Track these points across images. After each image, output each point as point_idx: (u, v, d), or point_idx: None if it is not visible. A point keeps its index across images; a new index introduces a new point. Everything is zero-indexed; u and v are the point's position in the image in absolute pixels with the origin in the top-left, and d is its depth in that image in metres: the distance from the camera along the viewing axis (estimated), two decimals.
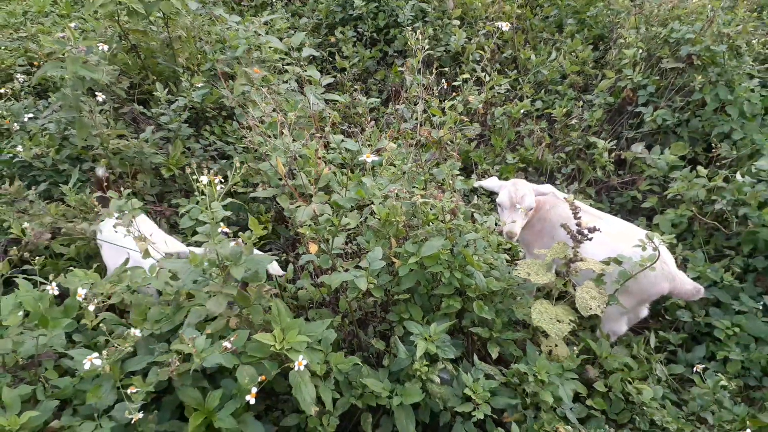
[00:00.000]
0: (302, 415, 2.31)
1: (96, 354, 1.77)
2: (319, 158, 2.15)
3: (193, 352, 1.93)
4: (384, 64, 5.17)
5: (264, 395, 2.39)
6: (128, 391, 1.80)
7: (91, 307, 1.97)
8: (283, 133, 2.25)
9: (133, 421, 1.75)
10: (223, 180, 2.03)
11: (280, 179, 2.20)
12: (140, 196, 3.40)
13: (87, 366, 1.75)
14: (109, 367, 1.78)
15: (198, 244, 2.01)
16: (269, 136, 2.32)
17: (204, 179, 1.93)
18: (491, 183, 3.03)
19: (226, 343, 1.97)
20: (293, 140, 2.28)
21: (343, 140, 2.25)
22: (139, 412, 1.84)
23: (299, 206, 2.06)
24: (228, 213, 2.02)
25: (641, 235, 2.57)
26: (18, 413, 1.87)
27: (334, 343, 2.32)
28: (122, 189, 2.30)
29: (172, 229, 3.30)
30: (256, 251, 2.11)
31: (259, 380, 1.92)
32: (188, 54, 4.21)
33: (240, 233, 2.13)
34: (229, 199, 2.06)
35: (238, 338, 1.99)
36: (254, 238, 2.00)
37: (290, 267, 2.88)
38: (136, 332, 1.89)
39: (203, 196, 1.94)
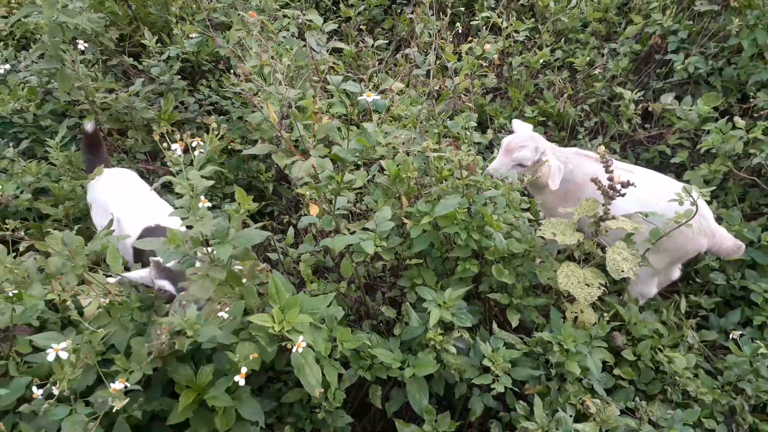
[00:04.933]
0: (305, 390, 2.12)
1: (63, 343, 1.55)
2: (317, 109, 1.90)
3: (186, 325, 1.72)
4: (392, 12, 4.85)
5: (265, 368, 2.20)
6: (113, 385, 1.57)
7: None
8: (277, 78, 2.00)
9: (115, 409, 1.55)
10: (202, 143, 1.77)
11: (276, 133, 1.96)
12: (131, 154, 3.17)
13: (51, 357, 1.54)
14: (75, 358, 1.56)
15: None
16: (264, 85, 2.07)
17: (175, 147, 1.66)
18: (517, 125, 2.80)
19: (221, 314, 1.75)
20: (290, 87, 2.02)
21: (342, 82, 1.98)
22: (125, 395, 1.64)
23: (296, 161, 1.82)
24: (210, 182, 1.76)
25: (677, 188, 2.33)
26: None
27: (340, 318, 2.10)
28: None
29: (165, 188, 3.08)
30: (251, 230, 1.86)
31: (251, 357, 1.72)
32: (182, 2, 3.92)
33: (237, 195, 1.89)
34: (212, 167, 1.80)
35: (234, 308, 1.78)
36: (243, 213, 1.76)
37: (291, 230, 2.67)
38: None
39: (180, 163, 1.68)
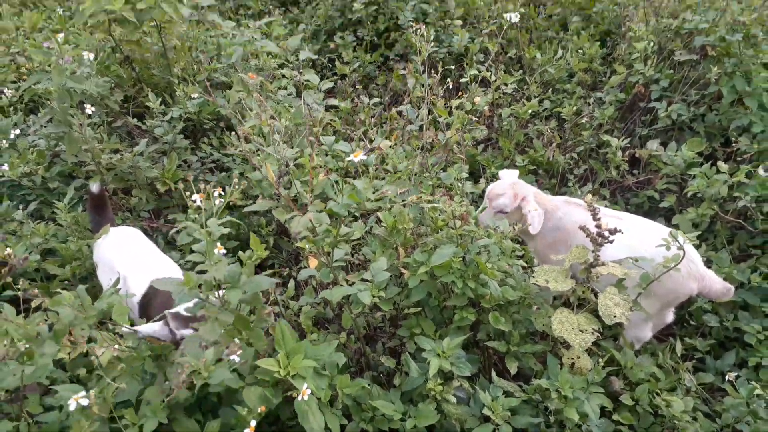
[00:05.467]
0: None
1: (83, 392, 1.62)
2: (314, 166, 2.00)
3: (201, 367, 1.77)
4: (385, 68, 5.04)
5: (269, 421, 2.24)
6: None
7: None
8: (275, 139, 2.11)
9: None
10: (221, 193, 1.89)
11: (274, 190, 2.06)
12: (136, 212, 3.26)
13: (73, 406, 1.59)
14: (97, 408, 1.62)
15: (192, 267, 1.84)
16: (263, 144, 2.18)
17: (196, 197, 1.78)
18: (503, 174, 2.94)
19: (233, 357, 1.81)
20: (288, 147, 2.13)
21: (335, 142, 2.10)
22: None
23: (295, 216, 1.91)
24: (226, 230, 1.87)
25: (665, 233, 2.41)
26: None
27: (341, 366, 2.15)
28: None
29: (169, 245, 3.16)
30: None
31: (259, 411, 1.76)
32: (183, 64, 4.09)
33: (240, 251, 1.98)
34: (228, 217, 1.91)
35: (244, 353, 1.84)
36: (256, 259, 1.85)
37: (291, 283, 2.73)
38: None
39: (199, 213, 1.80)
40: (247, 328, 1.92)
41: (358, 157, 1.83)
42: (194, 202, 1.80)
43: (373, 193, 1.94)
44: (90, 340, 1.92)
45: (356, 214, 2.60)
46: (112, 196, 3.20)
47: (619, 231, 2.31)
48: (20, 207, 3.02)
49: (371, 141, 3.16)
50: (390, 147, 2.76)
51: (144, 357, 1.87)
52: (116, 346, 1.74)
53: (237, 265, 1.93)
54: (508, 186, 2.78)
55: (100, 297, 2.08)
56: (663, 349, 2.81)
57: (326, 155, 2.59)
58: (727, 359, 2.88)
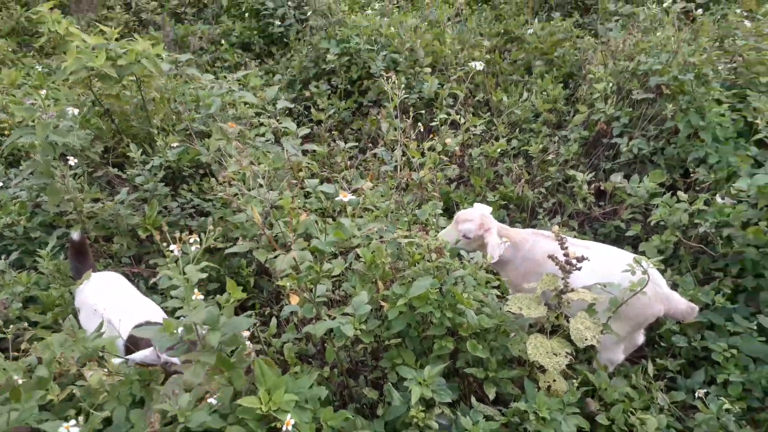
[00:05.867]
0: None
1: (73, 422, 1.66)
2: (293, 207, 2.11)
3: (177, 411, 1.82)
4: (359, 114, 5.22)
5: None
6: None
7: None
8: (258, 183, 2.22)
9: None
10: (198, 240, 1.96)
11: (259, 231, 2.15)
12: (117, 258, 3.31)
13: None
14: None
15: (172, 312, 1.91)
16: (245, 189, 2.28)
17: (173, 247, 1.86)
18: (477, 206, 3.08)
19: (211, 400, 1.86)
20: (270, 190, 2.24)
21: (318, 184, 2.21)
22: None
23: (278, 255, 2.00)
24: (203, 275, 1.94)
25: (630, 259, 2.54)
26: None
27: (324, 398, 2.21)
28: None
29: (150, 290, 3.20)
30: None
31: None
32: (162, 115, 4.20)
33: (220, 294, 2.05)
34: (205, 263, 1.98)
35: (222, 395, 1.89)
36: (233, 302, 1.93)
37: (273, 321, 2.79)
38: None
39: (176, 261, 1.87)
40: (229, 367, 1.97)
41: (347, 197, 1.94)
42: (171, 251, 1.87)
43: (358, 230, 2.05)
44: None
45: (336, 251, 2.71)
46: (94, 243, 3.25)
47: (586, 259, 2.45)
48: (2, 257, 3.06)
49: (349, 182, 3.29)
50: (370, 189, 2.89)
51: (132, 381, 1.92)
52: (104, 370, 1.78)
53: (215, 308, 2.00)
54: (477, 215, 2.93)
55: (84, 339, 2.14)
56: (636, 371, 2.91)
57: (306, 197, 2.70)
58: (697, 377, 2.99)
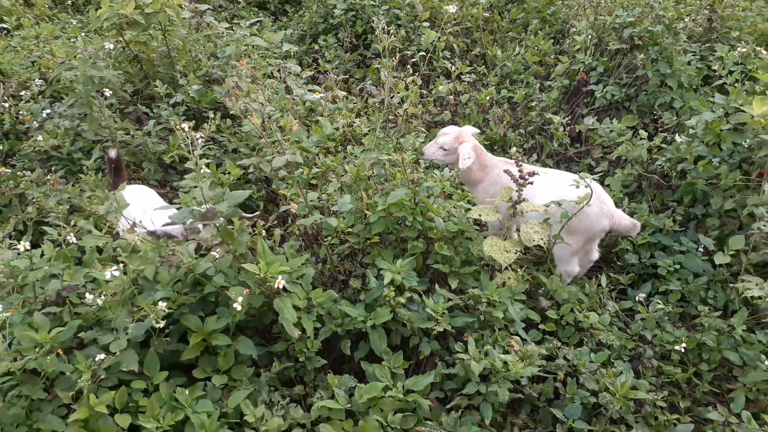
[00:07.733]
0: (289, 342, 2.70)
1: (115, 266, 2.19)
2: (290, 121, 2.59)
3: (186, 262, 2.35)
4: (364, 66, 5.65)
5: (258, 334, 2.78)
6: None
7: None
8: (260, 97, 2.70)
9: (158, 325, 2.15)
10: (202, 137, 2.47)
11: (259, 138, 2.64)
12: (145, 181, 3.84)
13: (108, 276, 2.16)
14: (128, 279, 2.19)
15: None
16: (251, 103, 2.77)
17: (185, 125, 2.36)
18: (466, 127, 3.51)
19: (213, 253, 2.39)
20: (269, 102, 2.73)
21: (305, 93, 2.69)
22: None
23: (275, 156, 2.49)
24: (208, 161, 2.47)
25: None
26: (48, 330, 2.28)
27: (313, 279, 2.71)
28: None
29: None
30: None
31: (243, 293, 2.33)
32: (184, 62, 4.69)
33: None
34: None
35: (224, 258, 2.41)
36: (233, 179, 2.42)
37: (278, 231, 3.29)
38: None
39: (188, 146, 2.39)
40: (231, 238, 2.48)
41: (316, 96, 2.42)
42: (183, 130, 2.38)
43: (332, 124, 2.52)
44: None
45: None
46: (126, 166, 3.78)
47: (536, 173, 2.89)
48: (53, 170, 3.62)
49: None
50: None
51: (160, 246, 2.45)
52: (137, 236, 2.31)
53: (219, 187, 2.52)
54: (456, 131, 3.36)
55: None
56: (590, 282, 3.35)
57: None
58: (644, 289, 3.43)
